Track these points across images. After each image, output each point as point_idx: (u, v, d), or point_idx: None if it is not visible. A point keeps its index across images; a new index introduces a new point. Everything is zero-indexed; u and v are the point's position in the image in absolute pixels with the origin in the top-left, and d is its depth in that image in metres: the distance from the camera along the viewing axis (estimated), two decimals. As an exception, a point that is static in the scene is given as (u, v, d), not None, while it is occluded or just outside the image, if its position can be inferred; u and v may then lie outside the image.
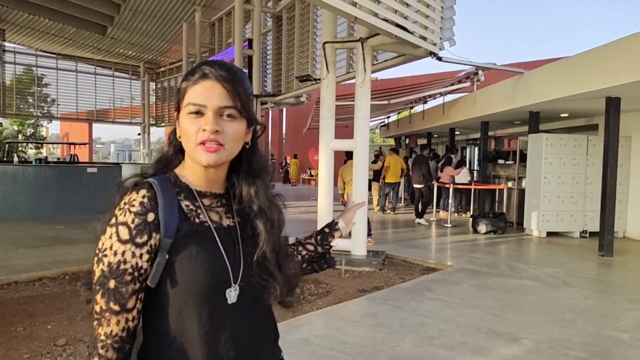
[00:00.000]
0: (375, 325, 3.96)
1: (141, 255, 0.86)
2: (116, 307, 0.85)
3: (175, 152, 0.99)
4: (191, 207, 0.94)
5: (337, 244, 1.30)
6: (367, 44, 6.25)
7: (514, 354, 3.45)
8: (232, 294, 0.93)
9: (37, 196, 10.21)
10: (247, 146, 0.98)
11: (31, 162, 13.62)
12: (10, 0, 13.91)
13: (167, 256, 0.87)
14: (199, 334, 0.89)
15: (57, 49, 19.11)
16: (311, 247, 1.25)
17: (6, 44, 18.08)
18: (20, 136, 27.66)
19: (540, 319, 4.23)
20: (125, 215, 0.86)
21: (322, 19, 7.22)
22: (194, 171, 0.96)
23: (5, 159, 15.56)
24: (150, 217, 0.87)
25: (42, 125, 30.19)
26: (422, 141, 18.48)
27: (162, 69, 21.08)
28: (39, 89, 20.55)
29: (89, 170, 11.16)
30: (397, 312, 4.29)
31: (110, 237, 0.86)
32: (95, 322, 0.87)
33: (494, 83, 10.76)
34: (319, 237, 1.27)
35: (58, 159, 20.68)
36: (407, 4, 5.70)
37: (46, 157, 20.21)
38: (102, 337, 0.86)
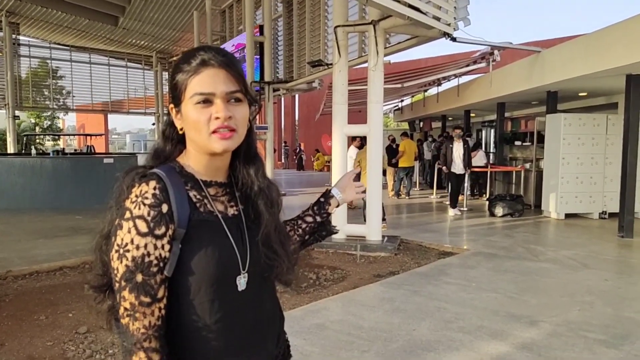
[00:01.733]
0: (392, 310, 3.95)
1: (163, 246, 0.86)
2: (147, 299, 0.85)
3: (174, 144, 0.99)
4: (198, 196, 0.94)
5: (334, 211, 1.30)
6: (379, 26, 6.14)
7: (532, 337, 3.42)
8: (241, 281, 0.95)
9: (55, 187, 10.39)
10: (249, 126, 0.99)
11: (49, 154, 13.84)
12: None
13: (180, 246, 0.88)
14: (212, 321, 0.91)
15: (71, 41, 19.27)
16: (310, 219, 1.26)
17: (21, 37, 18.27)
18: (37, 129, 28.14)
19: (559, 302, 4.18)
20: (140, 208, 0.86)
21: (333, 2, 7.11)
22: (198, 160, 0.96)
23: (23, 151, 15.85)
24: (165, 208, 0.87)
25: (58, 117, 30.65)
26: (437, 124, 18.27)
27: (175, 58, 21.09)
28: (54, 81, 20.80)
29: (105, 161, 11.30)
30: (414, 296, 4.28)
31: (129, 232, 0.85)
32: (128, 319, 0.86)
33: (510, 63, 10.52)
34: (315, 208, 1.27)
35: (75, 150, 21.01)
36: (419, -17, 5.57)
37: (63, 148, 20.54)
38: (143, 330, 0.85)
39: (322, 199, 1.28)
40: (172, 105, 0.96)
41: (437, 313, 3.87)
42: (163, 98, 21.79)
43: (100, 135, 22.32)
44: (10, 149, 17.27)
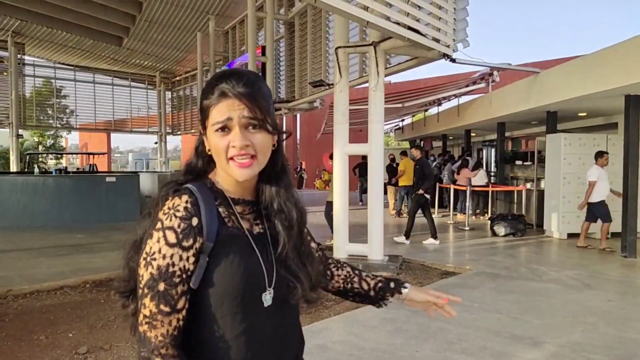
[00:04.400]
0: (394, 330, 3.92)
1: (188, 258, 0.89)
2: (167, 309, 0.87)
3: (205, 162, 1.02)
4: (226, 213, 0.97)
5: (391, 300, 1.26)
6: (379, 47, 6.24)
7: (536, 359, 3.38)
8: (267, 297, 0.96)
9: (57, 206, 10.41)
10: (274, 148, 1.00)
11: (51, 172, 13.90)
12: (29, 14, 14.26)
13: (207, 259, 0.91)
14: (233, 335, 0.93)
15: (75, 61, 19.52)
16: (365, 286, 1.24)
17: (26, 57, 18.52)
18: (40, 147, 28.28)
19: (562, 323, 4.15)
20: (171, 220, 0.90)
21: (334, 24, 7.23)
22: (226, 179, 0.99)
23: (26, 170, 15.92)
24: (195, 221, 0.90)
25: (61, 136, 30.84)
26: (438, 143, 18.34)
27: (178, 78, 21.36)
28: (58, 100, 20.99)
29: (107, 179, 11.34)
30: (415, 316, 4.25)
31: (158, 241, 0.89)
32: (147, 326, 0.88)
33: (509, 83, 10.63)
34: (379, 285, 1.24)
35: (78, 169, 21.08)
36: (419, 6, 5.68)
37: (66, 167, 20.64)
38: (160, 338, 0.88)
39: (392, 284, 1.24)
40: (201, 127, 0.99)
41: (440, 334, 3.84)
42: (165, 117, 21.95)
43: (103, 153, 22.42)
44: (13, 167, 17.34)
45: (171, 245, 0.88)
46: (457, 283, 5.58)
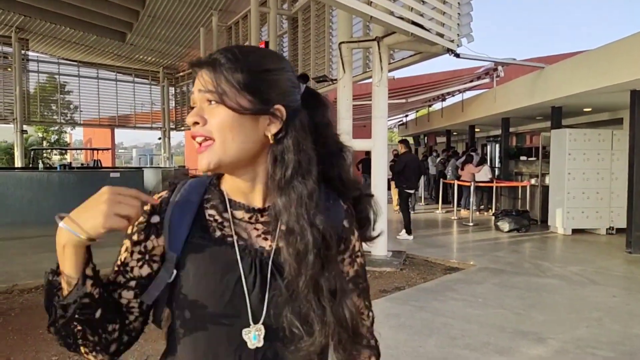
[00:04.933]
0: (398, 326, 3.93)
1: (132, 253, 0.79)
2: None
3: None
4: (216, 217, 0.81)
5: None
6: (383, 42, 6.21)
7: (540, 354, 3.38)
8: (252, 335, 0.76)
9: (62, 201, 10.45)
10: (275, 140, 0.77)
11: (56, 168, 13.95)
12: (33, 10, 14.27)
13: (174, 272, 0.77)
14: None
15: (79, 56, 19.54)
16: None
17: (30, 53, 18.56)
18: (44, 143, 28.38)
19: (566, 318, 4.14)
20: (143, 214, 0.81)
21: (338, 19, 7.21)
22: (227, 177, 0.83)
23: (30, 165, 15.98)
24: (155, 219, 0.80)
25: (65, 132, 30.94)
26: (442, 139, 18.30)
27: (181, 74, 21.36)
28: (62, 96, 21.03)
29: (111, 175, 11.39)
30: (419, 312, 4.25)
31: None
32: None
33: (514, 78, 10.58)
34: None
35: (82, 164, 21.15)
36: (423, 1, 5.65)
37: (70, 162, 20.70)
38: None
39: None
40: None
41: (444, 329, 3.84)
42: (169, 113, 21.97)
43: (107, 149, 22.47)
44: (18, 163, 17.42)
45: (126, 236, 0.80)
46: (460, 279, 5.58)
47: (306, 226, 0.75)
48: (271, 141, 0.77)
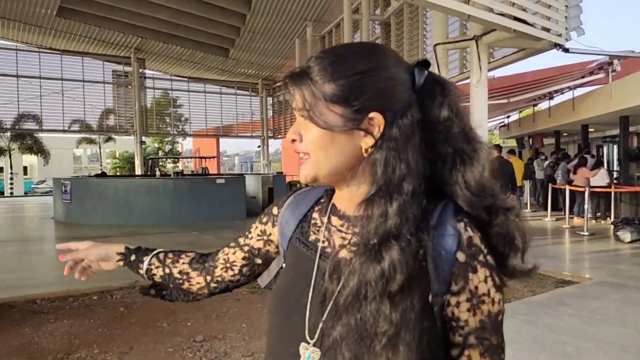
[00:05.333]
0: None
1: (256, 227, 0.94)
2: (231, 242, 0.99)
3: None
4: (316, 221, 0.81)
5: None
6: (481, 41, 5.95)
7: (674, 382, 2.98)
8: (307, 354, 0.71)
9: (175, 205, 11.43)
10: (368, 152, 0.70)
11: (170, 175, 15.28)
12: (149, 32, 15.84)
13: (283, 265, 0.86)
14: None
15: (188, 72, 21.30)
16: None
17: (146, 71, 20.63)
18: (160, 152, 31.23)
19: None
20: None
21: (432, 20, 7.05)
22: None
23: (149, 173, 17.69)
24: (275, 211, 0.91)
25: (177, 142, 33.78)
26: (549, 140, 16.99)
27: (278, 84, 22.28)
28: (174, 109, 23.05)
29: (217, 181, 12.20)
30: (528, 327, 3.98)
31: None
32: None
33: (633, 73, 9.51)
34: None
35: (192, 171, 22.95)
36: (526, -5, 5.32)
37: (182, 170, 22.56)
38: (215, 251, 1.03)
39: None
40: None
41: (556, 346, 3.55)
42: (267, 122, 23.02)
43: (213, 157, 24.19)
44: (138, 171, 19.38)
45: (264, 212, 0.95)
46: (575, 293, 5.12)
47: (369, 263, 0.65)
48: (364, 155, 0.70)
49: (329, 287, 0.70)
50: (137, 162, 19.76)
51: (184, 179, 13.81)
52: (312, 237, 0.79)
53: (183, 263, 1.00)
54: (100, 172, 22.08)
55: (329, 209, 0.79)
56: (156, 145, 32.56)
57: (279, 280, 0.83)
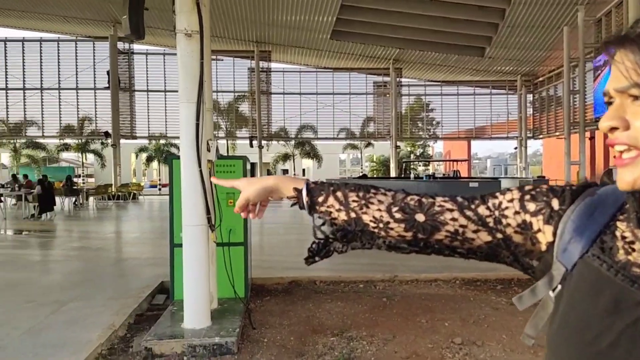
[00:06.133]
0: None
1: (514, 212, 0.67)
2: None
3: None
4: (626, 235, 0.58)
5: None
6: None
7: None
8: None
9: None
10: None
11: (422, 178, 15.80)
12: (406, 42, 16.70)
13: (558, 287, 0.62)
14: None
15: (441, 77, 21.57)
16: None
17: (402, 79, 21.83)
18: (412, 156, 32.58)
19: None
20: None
21: None
22: None
23: (402, 175, 18.70)
24: (554, 203, 0.65)
25: (428, 145, 34.58)
26: None
27: (540, 79, 20.36)
28: (426, 114, 23.69)
29: (470, 184, 12.00)
30: None
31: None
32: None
33: None
34: None
35: (443, 174, 23.15)
36: None
37: (433, 173, 23.02)
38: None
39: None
40: None
41: None
42: (526, 121, 21.30)
43: (464, 160, 23.80)
44: (392, 173, 20.70)
45: (519, 189, 0.69)
46: None
47: None
48: None
49: None
50: (392, 165, 21.11)
51: (436, 181, 14.06)
52: (622, 258, 0.57)
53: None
54: (361, 174, 24.48)
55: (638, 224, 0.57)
56: (408, 148, 34.05)
57: (560, 311, 0.60)
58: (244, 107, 22.67)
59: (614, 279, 0.56)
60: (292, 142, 25.73)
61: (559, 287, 0.61)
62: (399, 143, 22.59)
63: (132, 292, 5.09)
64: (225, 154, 14.20)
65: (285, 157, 29.30)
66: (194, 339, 3.58)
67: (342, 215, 0.77)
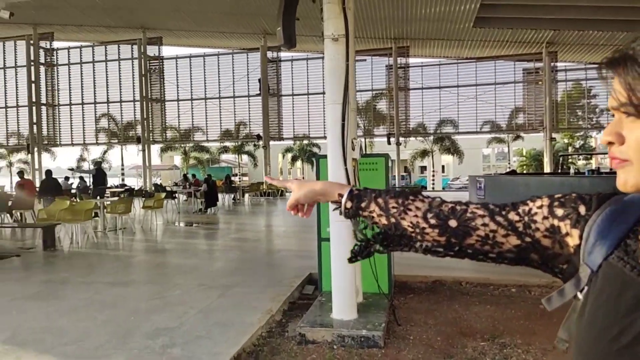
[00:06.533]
0: None
1: (543, 217, 0.72)
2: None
3: None
4: None
5: None
6: None
7: None
8: None
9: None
10: None
11: (583, 173, 14.09)
12: (562, 23, 15.03)
13: (585, 289, 0.65)
14: None
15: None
16: None
17: (558, 64, 19.70)
18: (569, 148, 29.22)
19: None
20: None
21: None
22: None
23: (559, 170, 16.88)
24: (581, 209, 0.69)
25: (590, 137, 30.65)
26: None
27: None
28: (587, 101, 21.02)
29: None
30: None
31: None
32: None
33: None
34: None
35: (610, 169, 20.35)
36: None
37: (597, 167, 20.35)
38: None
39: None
40: None
41: None
42: None
43: None
44: (547, 168, 18.82)
45: (549, 196, 0.74)
46: None
47: None
48: None
49: None
50: (546, 160, 19.21)
51: (601, 177, 12.41)
52: None
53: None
54: (509, 169, 22.75)
55: None
56: (565, 141, 30.57)
57: (591, 307, 0.63)
58: (382, 105, 22.78)
59: (637, 279, 0.58)
60: (431, 137, 25.03)
61: (586, 288, 0.64)
62: (554, 135, 20.45)
63: (284, 282, 5.50)
64: (364, 152, 14.46)
65: (424, 154, 28.63)
66: (343, 330, 3.74)
67: (383, 220, 0.85)
